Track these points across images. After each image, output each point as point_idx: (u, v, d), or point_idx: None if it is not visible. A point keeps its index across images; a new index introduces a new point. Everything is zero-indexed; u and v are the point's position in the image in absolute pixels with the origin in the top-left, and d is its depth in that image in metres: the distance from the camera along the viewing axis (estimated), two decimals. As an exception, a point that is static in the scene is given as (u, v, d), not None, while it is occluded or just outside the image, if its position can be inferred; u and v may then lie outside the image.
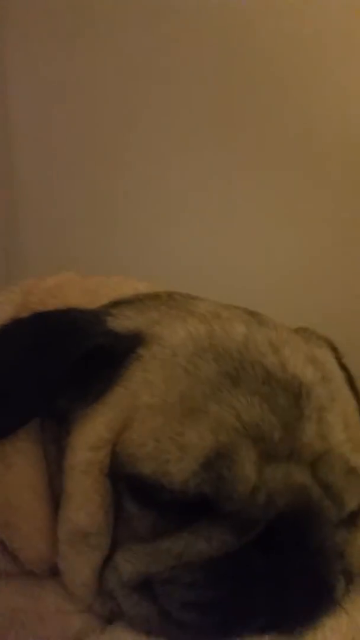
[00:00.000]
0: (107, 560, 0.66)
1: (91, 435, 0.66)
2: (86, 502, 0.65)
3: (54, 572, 0.70)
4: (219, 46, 1.43)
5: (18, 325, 0.74)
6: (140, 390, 0.67)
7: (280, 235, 1.52)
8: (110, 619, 0.68)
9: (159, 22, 1.43)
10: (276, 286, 1.48)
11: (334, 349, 0.84)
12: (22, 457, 0.70)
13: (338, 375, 0.78)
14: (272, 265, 1.52)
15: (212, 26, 1.42)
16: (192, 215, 1.54)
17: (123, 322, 0.73)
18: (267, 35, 1.40)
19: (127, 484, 0.64)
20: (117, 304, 0.79)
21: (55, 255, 1.53)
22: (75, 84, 1.52)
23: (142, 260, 1.50)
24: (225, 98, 1.48)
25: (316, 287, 1.51)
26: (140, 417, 0.65)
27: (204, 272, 1.45)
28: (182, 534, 0.62)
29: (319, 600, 0.65)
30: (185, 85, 1.47)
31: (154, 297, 0.79)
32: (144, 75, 1.48)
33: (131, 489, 0.64)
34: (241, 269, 1.51)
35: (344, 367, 0.82)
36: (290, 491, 0.63)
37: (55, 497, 0.69)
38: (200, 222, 1.55)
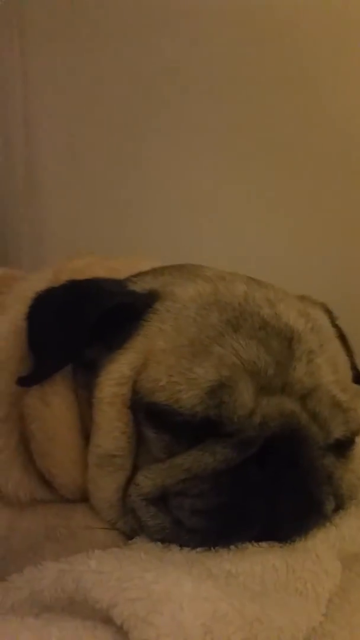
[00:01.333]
0: (129, 481, 0.78)
1: (116, 374, 0.79)
2: (112, 429, 0.78)
3: (84, 499, 0.83)
4: (235, 52, 1.55)
5: (52, 291, 0.87)
6: (156, 337, 0.79)
7: (279, 229, 1.62)
8: (131, 536, 0.79)
9: (170, 28, 1.56)
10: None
11: (328, 312, 0.96)
12: (58, 397, 0.83)
13: (328, 330, 0.89)
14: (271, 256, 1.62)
15: (218, 32, 1.54)
16: (201, 210, 1.65)
17: (142, 284, 0.86)
18: (268, 38, 1.51)
19: (145, 412, 0.76)
20: (137, 275, 0.91)
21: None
22: (95, 88, 1.65)
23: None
24: (227, 101, 1.59)
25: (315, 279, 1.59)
26: (156, 358, 0.77)
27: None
28: (191, 451, 0.74)
29: (308, 513, 0.76)
30: (198, 88, 1.59)
31: (168, 267, 0.92)
32: (163, 78, 1.60)
33: (149, 416, 0.76)
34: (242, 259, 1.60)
35: (337, 327, 0.94)
36: (282, 416, 0.74)
37: (86, 433, 0.82)
38: (209, 215, 1.66)
